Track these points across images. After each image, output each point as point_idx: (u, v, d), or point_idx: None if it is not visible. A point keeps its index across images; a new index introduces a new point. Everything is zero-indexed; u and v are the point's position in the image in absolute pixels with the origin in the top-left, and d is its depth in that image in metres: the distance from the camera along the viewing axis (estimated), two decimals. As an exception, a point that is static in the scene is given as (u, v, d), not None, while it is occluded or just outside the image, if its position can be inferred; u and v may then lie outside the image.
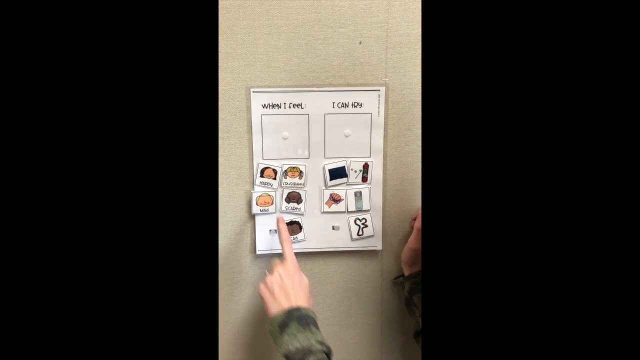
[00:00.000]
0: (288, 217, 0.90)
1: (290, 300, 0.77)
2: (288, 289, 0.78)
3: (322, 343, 0.74)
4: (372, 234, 0.92)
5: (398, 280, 0.94)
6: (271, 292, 0.79)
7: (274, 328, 0.76)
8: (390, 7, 0.83)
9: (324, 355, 0.73)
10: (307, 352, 0.72)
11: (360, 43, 0.84)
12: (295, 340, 0.73)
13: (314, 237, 0.91)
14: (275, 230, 0.90)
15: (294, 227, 0.90)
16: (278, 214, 0.90)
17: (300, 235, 0.90)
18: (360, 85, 0.86)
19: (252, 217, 0.90)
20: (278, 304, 0.77)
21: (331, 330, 0.97)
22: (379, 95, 0.86)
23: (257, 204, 0.88)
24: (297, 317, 0.75)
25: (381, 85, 0.86)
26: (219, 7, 0.80)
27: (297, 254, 0.90)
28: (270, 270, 0.82)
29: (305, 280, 0.81)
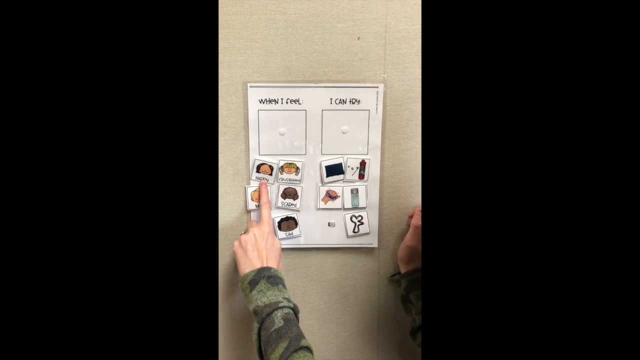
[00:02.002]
0: (284, 213, 0.90)
1: (262, 260, 0.81)
2: (261, 249, 0.82)
3: (289, 300, 0.77)
4: (368, 231, 0.91)
5: (394, 277, 0.93)
6: (244, 250, 0.82)
7: (244, 285, 0.80)
8: (389, 3, 0.82)
9: (290, 310, 0.76)
10: (275, 307, 0.75)
11: (358, 39, 0.83)
12: (264, 296, 0.77)
13: (309, 233, 0.91)
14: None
15: (290, 222, 0.90)
16: (274, 210, 0.89)
17: (295, 231, 0.90)
18: (358, 81, 0.85)
19: (248, 212, 0.90)
20: (250, 263, 0.81)
21: (327, 327, 0.97)
22: (377, 92, 0.85)
23: (252, 199, 0.88)
24: (267, 276, 0.79)
25: (379, 81, 0.85)
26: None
27: (293, 250, 0.91)
28: (246, 230, 0.85)
29: (277, 243, 0.85)
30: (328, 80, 0.85)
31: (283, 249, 0.89)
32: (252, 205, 0.88)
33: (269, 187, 0.88)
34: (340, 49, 0.83)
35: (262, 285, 0.78)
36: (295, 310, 0.77)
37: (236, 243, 0.84)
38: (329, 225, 0.91)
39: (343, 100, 0.85)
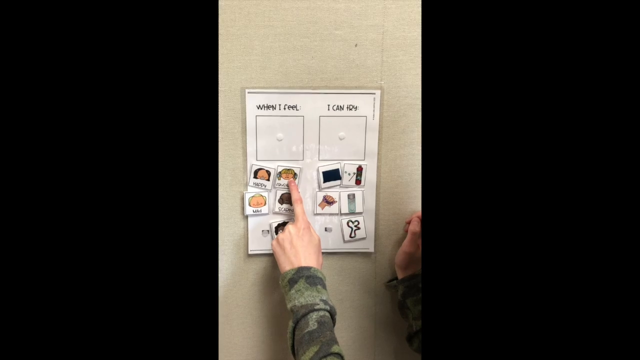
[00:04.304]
0: (281, 218, 0.90)
1: (299, 257, 0.81)
2: (298, 246, 0.82)
3: (326, 302, 0.77)
4: (365, 236, 0.92)
5: (392, 283, 0.94)
6: (282, 248, 0.83)
7: (284, 283, 0.80)
8: (387, 9, 0.83)
9: (326, 313, 0.76)
10: (311, 309, 0.75)
11: (356, 45, 0.84)
12: (302, 296, 0.77)
13: (307, 238, 0.91)
14: (268, 230, 0.90)
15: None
16: (271, 215, 0.90)
17: (293, 237, 0.90)
18: (356, 87, 0.85)
19: (245, 218, 0.90)
20: (289, 261, 0.82)
21: (324, 331, 0.97)
22: (374, 99, 0.86)
23: (249, 204, 0.89)
24: (306, 276, 0.79)
25: (376, 88, 0.85)
26: (215, 8, 0.80)
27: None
28: (283, 229, 0.86)
29: (315, 238, 0.84)
30: (325, 87, 0.85)
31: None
32: (249, 210, 0.89)
33: (265, 194, 0.89)
34: (338, 55, 0.84)
35: (301, 285, 0.78)
36: (332, 312, 0.77)
37: (274, 242, 0.84)
38: (325, 230, 0.91)
39: (340, 106, 0.86)
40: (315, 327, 0.73)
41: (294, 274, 0.79)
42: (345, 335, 0.98)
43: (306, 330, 0.73)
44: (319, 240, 0.85)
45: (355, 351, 0.99)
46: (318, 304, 0.76)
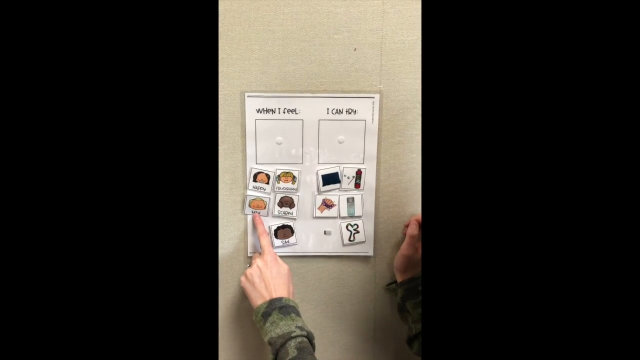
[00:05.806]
0: (280, 221, 0.91)
1: (270, 290, 0.82)
2: (267, 279, 0.83)
3: (302, 328, 0.77)
4: (364, 239, 0.92)
5: (391, 286, 0.94)
6: (252, 283, 0.83)
7: (258, 318, 0.80)
8: (386, 14, 0.83)
9: (304, 339, 0.76)
10: (288, 337, 0.75)
11: (355, 50, 0.84)
12: (277, 327, 0.77)
13: (305, 241, 0.92)
14: (268, 233, 0.91)
15: (286, 231, 0.91)
16: (271, 218, 0.90)
17: (292, 240, 0.91)
18: (355, 91, 0.86)
19: (245, 219, 0.90)
20: (260, 295, 0.82)
21: (324, 335, 0.97)
22: (373, 103, 0.86)
23: (249, 206, 0.89)
24: (279, 307, 0.79)
25: (375, 92, 0.86)
26: (215, 12, 0.81)
27: (289, 258, 0.91)
28: (250, 264, 0.87)
29: (283, 269, 0.85)
30: (325, 91, 0.86)
31: (280, 257, 0.89)
32: (249, 210, 0.89)
33: (266, 198, 0.89)
34: (337, 59, 0.84)
35: (275, 316, 0.78)
36: (309, 337, 0.77)
37: (242, 278, 0.85)
38: (324, 233, 0.92)
39: (339, 110, 0.86)
40: (295, 354, 0.73)
41: (266, 307, 0.79)
42: (344, 338, 0.98)
43: (287, 359, 0.73)
44: (288, 270, 0.86)
45: (355, 354, 0.99)
46: (294, 331, 0.76)
